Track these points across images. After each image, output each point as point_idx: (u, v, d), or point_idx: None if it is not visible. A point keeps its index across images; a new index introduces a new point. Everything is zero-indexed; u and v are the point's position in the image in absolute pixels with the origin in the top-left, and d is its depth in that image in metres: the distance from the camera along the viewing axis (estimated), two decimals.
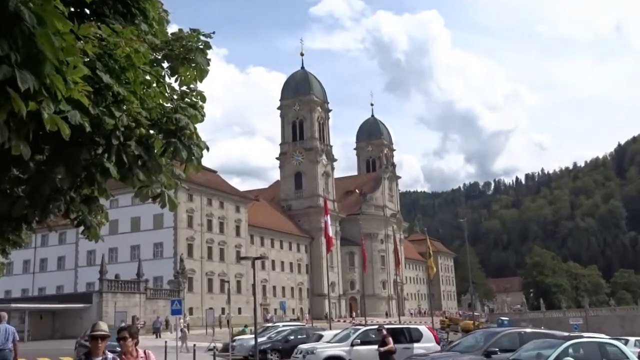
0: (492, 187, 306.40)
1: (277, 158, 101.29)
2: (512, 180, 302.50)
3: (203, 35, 5.29)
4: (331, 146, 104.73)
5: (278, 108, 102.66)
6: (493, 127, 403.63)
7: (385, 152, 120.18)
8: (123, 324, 8.60)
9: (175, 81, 5.17)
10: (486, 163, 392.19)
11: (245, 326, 46.61)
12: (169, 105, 4.93)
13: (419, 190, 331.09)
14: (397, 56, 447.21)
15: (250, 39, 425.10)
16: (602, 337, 15.70)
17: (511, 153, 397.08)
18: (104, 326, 5.50)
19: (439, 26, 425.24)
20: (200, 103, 5.02)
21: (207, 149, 5.03)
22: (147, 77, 4.75)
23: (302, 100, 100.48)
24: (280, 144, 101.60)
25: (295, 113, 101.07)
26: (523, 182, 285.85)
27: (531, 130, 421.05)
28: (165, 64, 5.21)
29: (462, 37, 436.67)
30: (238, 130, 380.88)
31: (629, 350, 13.68)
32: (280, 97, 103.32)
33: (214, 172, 79.07)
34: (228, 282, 52.88)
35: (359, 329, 21.26)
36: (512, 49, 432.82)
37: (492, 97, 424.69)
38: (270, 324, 37.45)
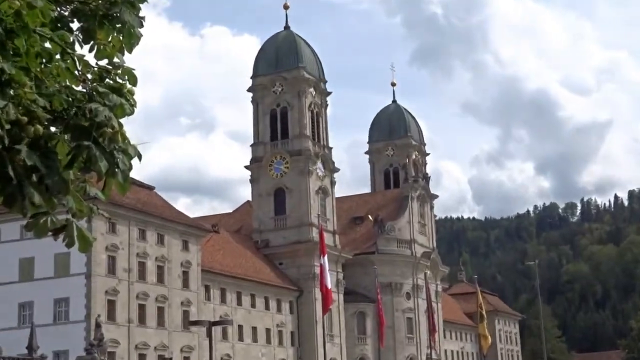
0: (579, 211, 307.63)
1: (247, 167, 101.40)
2: (609, 201, 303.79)
3: None
4: (331, 148, 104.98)
5: (249, 90, 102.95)
6: (580, 118, 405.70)
7: (414, 157, 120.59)
8: None
9: (91, 51, 5.15)
10: (569, 174, 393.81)
11: None
12: (80, 89, 4.91)
13: (465, 217, 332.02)
14: (432, 9, 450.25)
15: None
16: None
17: (608, 159, 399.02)
18: None
19: None
20: (129, 86, 5.00)
21: (139, 156, 5.00)
22: (47, 46, 4.70)
23: (286, 78, 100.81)
24: (252, 145, 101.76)
25: (275, 97, 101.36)
26: (625, 203, 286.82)
27: (638, 123, 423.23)
28: (76, 25, 5.19)
29: None
30: (187, 123, 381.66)
31: None
32: (252, 73, 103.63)
33: (150, 188, 78.73)
34: (171, 359, 52.70)
35: None
36: None
37: (579, 72, 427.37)
38: None
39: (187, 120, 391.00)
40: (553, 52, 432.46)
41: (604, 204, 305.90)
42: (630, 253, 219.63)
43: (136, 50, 5.28)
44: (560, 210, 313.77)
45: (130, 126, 5.18)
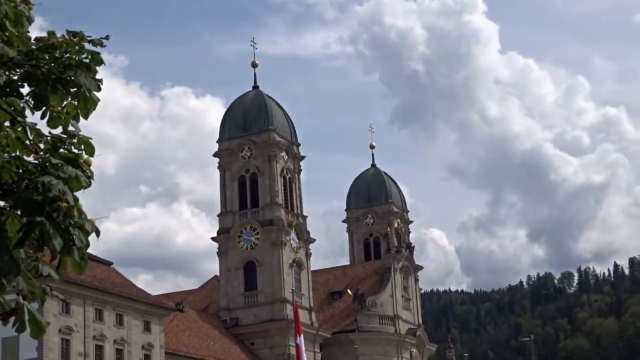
0: (576, 281, 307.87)
1: (214, 239, 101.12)
2: (609, 270, 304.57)
3: (89, 41, 5.32)
4: (305, 217, 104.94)
5: (215, 155, 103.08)
6: (575, 181, 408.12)
7: (397, 225, 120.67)
8: None
9: (43, 119, 5.17)
10: (565, 241, 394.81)
11: None
12: (31, 160, 4.91)
13: (453, 290, 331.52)
14: (413, 66, 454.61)
15: (166, 42, 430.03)
16: None
17: (606, 224, 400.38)
18: None
19: (479, 16, 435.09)
20: (85, 156, 5.01)
21: (97, 232, 5.00)
22: None
23: (255, 142, 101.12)
24: (220, 215, 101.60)
25: (243, 163, 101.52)
26: (626, 271, 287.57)
27: (638, 185, 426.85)
28: (26, 90, 5.21)
29: (518, 34, 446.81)
30: (147, 192, 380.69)
31: None
32: (218, 137, 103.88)
33: (108, 264, 78.28)
34: None
35: None
36: (604, 50, 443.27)
37: (572, 131, 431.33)
38: None
39: (147, 188, 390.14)
40: (544, 110, 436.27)
41: (603, 273, 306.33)
42: (633, 327, 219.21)
43: (94, 115, 5.30)
44: (556, 281, 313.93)
45: (86, 198, 5.18)
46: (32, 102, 5.22)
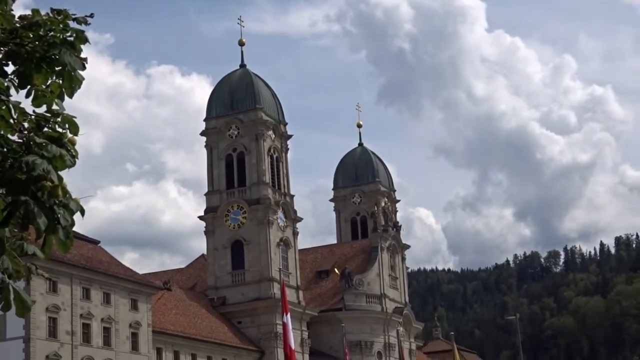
0: (562, 260, 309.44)
1: (201, 217, 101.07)
2: (595, 249, 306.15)
3: (74, 19, 5.29)
4: (292, 196, 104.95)
5: (202, 134, 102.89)
6: (561, 160, 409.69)
7: (384, 204, 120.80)
8: None
9: (27, 98, 5.15)
10: (551, 221, 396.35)
11: None
12: (15, 139, 4.89)
13: (440, 268, 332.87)
14: (399, 44, 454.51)
15: (152, 20, 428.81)
16: None
17: (592, 203, 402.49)
18: None
19: None
20: (70, 135, 5.00)
21: (82, 211, 4.99)
22: None
23: (242, 120, 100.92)
24: (207, 194, 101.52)
25: (230, 141, 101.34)
26: (612, 250, 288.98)
27: (625, 164, 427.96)
28: (10, 69, 5.18)
29: (505, 12, 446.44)
30: (134, 171, 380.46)
31: None
32: (205, 115, 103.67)
33: (95, 242, 78.20)
34: None
35: None
36: (591, 28, 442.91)
37: (559, 110, 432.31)
38: None
39: (133, 167, 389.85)
40: (530, 89, 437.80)
41: (589, 252, 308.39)
42: (618, 305, 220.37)
43: (79, 93, 5.28)
44: (542, 260, 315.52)
45: (71, 176, 5.17)
46: (17, 81, 5.20)
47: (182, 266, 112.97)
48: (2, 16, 5.24)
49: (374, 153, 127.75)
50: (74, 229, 5.13)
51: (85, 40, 5.28)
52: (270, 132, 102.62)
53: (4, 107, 4.94)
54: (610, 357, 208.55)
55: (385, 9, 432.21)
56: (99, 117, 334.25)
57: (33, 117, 5.08)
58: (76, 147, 5.06)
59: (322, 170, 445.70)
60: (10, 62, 5.17)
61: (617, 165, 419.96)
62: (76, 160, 4.96)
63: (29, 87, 5.19)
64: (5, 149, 4.86)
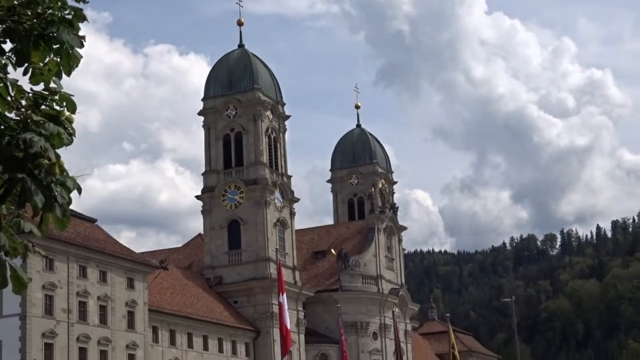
0: (559, 243, 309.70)
1: (198, 197, 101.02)
2: (591, 232, 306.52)
3: None
4: (289, 177, 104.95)
5: (199, 113, 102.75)
6: (559, 143, 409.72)
7: (381, 186, 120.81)
8: None
9: (25, 75, 5.15)
10: (548, 204, 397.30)
11: None
12: (13, 116, 4.89)
13: (436, 250, 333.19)
14: (398, 26, 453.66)
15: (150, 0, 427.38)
16: None
17: (589, 187, 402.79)
18: None
19: None
20: (67, 113, 5.00)
21: (79, 189, 5.00)
22: None
23: (240, 100, 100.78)
24: (204, 174, 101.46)
25: (228, 121, 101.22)
26: (609, 234, 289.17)
27: (622, 148, 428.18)
28: (8, 46, 5.18)
29: None
30: (131, 149, 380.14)
31: None
32: (202, 95, 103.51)
33: (92, 221, 78.27)
34: None
35: None
36: (590, 12, 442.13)
37: (557, 93, 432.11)
38: None
39: (130, 146, 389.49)
40: (529, 72, 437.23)
41: (586, 235, 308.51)
42: (614, 289, 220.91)
43: (76, 71, 5.27)
44: (538, 243, 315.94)
45: (68, 154, 5.18)
46: (14, 59, 5.20)
47: (179, 245, 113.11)
48: None
49: (371, 134, 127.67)
50: (71, 207, 5.14)
51: (83, 18, 5.27)
52: (268, 113, 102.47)
53: (1, 85, 4.94)
54: (605, 340, 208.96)
55: None
56: (96, 95, 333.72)
57: (30, 94, 5.08)
58: (73, 125, 5.07)
59: (320, 151, 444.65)
60: (7, 40, 5.17)
61: (614, 149, 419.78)
62: (73, 138, 4.96)
63: (26, 64, 5.19)
64: (2, 127, 4.86)
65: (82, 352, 69.80)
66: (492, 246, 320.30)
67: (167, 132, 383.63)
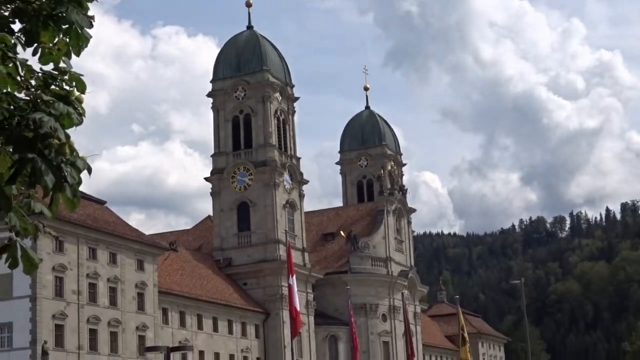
0: (568, 225, 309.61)
1: (207, 179, 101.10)
2: (600, 215, 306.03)
3: None
4: (299, 158, 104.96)
5: (208, 95, 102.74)
6: (568, 125, 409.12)
7: (390, 168, 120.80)
8: None
9: (34, 55, 5.13)
10: (557, 186, 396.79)
11: None
12: (23, 96, 4.89)
13: (445, 232, 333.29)
14: (407, 7, 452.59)
15: None
16: None
17: (598, 169, 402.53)
18: None
19: None
20: (77, 93, 4.99)
21: (89, 170, 4.99)
22: None
23: (249, 82, 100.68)
24: (213, 155, 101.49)
25: (237, 103, 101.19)
26: (618, 216, 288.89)
27: (631, 130, 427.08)
28: (17, 27, 5.17)
29: None
30: (139, 131, 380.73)
31: None
32: (211, 77, 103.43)
33: (101, 203, 78.44)
34: None
35: None
36: None
37: (567, 75, 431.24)
38: None
39: (139, 128, 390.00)
40: (538, 53, 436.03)
41: (595, 217, 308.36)
42: (623, 271, 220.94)
43: (85, 52, 5.26)
44: (548, 225, 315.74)
45: (78, 136, 5.18)
46: (24, 39, 5.18)
47: (188, 227, 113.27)
48: None
49: (380, 116, 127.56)
50: (80, 189, 5.13)
51: None
52: (277, 94, 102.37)
53: (11, 65, 4.93)
54: (614, 322, 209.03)
55: None
56: (105, 77, 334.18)
57: (40, 74, 5.07)
58: (83, 105, 5.06)
59: (329, 133, 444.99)
60: (17, 20, 5.15)
61: (624, 131, 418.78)
62: (83, 118, 4.95)
63: (35, 44, 5.17)
64: (12, 107, 4.85)
65: (93, 333, 69.98)
66: (502, 228, 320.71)
67: (175, 114, 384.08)
